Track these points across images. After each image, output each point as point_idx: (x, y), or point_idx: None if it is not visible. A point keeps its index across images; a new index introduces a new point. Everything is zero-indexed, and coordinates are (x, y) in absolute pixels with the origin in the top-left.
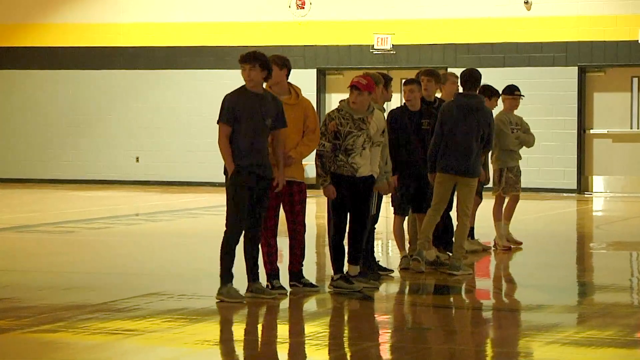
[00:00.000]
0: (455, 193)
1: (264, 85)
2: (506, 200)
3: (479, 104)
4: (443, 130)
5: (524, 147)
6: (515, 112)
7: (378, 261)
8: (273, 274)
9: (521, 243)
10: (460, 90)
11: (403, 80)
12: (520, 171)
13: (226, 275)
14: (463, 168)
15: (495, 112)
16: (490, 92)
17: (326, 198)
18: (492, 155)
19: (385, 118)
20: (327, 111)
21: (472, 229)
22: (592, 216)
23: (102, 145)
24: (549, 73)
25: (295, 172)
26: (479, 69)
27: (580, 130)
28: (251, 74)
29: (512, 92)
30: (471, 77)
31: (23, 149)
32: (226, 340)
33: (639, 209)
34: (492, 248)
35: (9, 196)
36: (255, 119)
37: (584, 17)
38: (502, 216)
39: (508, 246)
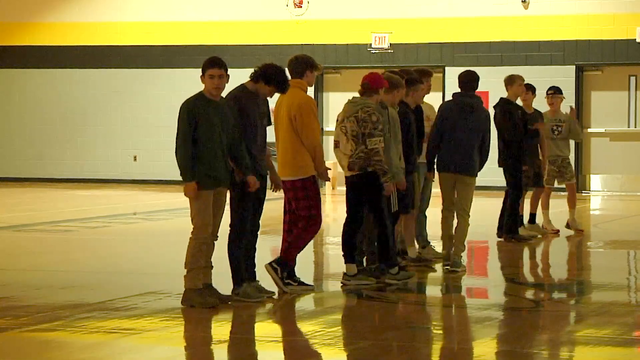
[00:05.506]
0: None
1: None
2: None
3: (478, 103)
4: (442, 129)
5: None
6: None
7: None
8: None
9: (558, 230)
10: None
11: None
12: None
13: (239, 275)
14: (463, 166)
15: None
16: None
17: (323, 196)
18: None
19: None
20: (325, 110)
21: (533, 215)
22: (589, 215)
23: (99, 144)
24: (546, 72)
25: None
26: (476, 68)
27: None
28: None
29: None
30: (470, 79)
31: (21, 148)
32: (223, 339)
33: (636, 207)
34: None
35: (7, 195)
36: (254, 119)
37: (581, 15)
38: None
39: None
